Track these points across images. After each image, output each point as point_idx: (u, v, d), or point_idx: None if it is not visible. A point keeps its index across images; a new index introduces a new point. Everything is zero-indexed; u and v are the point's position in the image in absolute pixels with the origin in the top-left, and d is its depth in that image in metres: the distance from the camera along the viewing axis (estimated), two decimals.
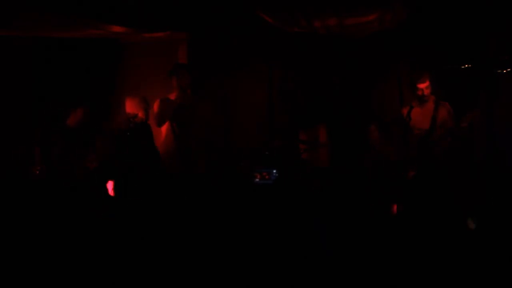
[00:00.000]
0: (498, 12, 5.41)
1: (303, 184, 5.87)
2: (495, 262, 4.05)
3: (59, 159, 5.32)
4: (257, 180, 5.79)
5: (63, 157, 5.33)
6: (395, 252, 4.39)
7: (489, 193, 5.12)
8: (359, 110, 6.38)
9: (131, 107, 5.61)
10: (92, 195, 5.23)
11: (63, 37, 6.15)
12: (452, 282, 3.93)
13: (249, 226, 5.02)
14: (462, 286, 3.91)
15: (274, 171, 5.76)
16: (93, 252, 4.44)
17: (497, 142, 5.67)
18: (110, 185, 5.58)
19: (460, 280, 3.93)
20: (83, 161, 5.37)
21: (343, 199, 5.46)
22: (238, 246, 4.62)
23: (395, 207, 5.17)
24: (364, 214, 5.15)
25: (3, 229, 4.66)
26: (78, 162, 5.33)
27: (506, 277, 3.87)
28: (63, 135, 5.40)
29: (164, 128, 5.53)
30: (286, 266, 4.27)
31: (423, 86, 5.30)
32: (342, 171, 5.96)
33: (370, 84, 6.45)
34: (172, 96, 5.40)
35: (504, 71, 5.48)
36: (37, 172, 5.26)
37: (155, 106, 5.38)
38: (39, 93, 6.27)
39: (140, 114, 5.56)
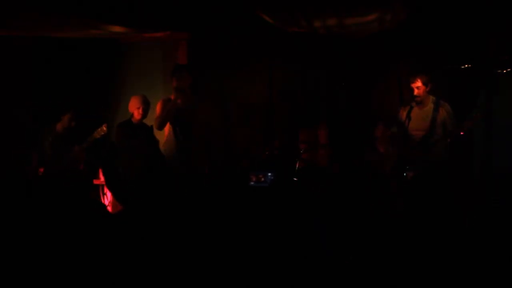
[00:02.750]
0: (498, 12, 5.41)
1: (303, 184, 5.87)
2: (495, 262, 4.05)
3: (50, 162, 5.38)
4: (252, 182, 5.80)
5: (53, 160, 5.37)
6: (395, 252, 4.40)
7: (488, 193, 5.12)
8: (359, 110, 6.38)
9: (130, 105, 5.65)
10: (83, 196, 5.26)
11: (63, 37, 6.15)
12: (452, 282, 3.93)
13: (246, 227, 5.03)
14: (462, 286, 3.92)
15: (270, 173, 5.76)
16: (90, 251, 4.44)
17: (496, 142, 5.67)
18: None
19: (460, 280, 3.93)
20: (73, 163, 5.43)
21: (343, 199, 5.46)
22: (235, 247, 4.63)
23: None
24: (364, 214, 5.16)
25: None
26: (68, 165, 5.38)
27: (506, 277, 3.88)
28: (52, 139, 5.45)
29: (166, 129, 5.53)
30: (282, 267, 4.27)
31: (414, 85, 5.31)
32: (342, 171, 5.96)
33: (370, 84, 6.44)
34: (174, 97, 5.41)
35: (504, 71, 5.48)
36: (33, 173, 5.36)
37: (158, 107, 5.38)
38: (39, 93, 6.28)
39: (136, 114, 5.59)
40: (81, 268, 4.19)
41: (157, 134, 5.63)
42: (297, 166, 5.92)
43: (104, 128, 5.55)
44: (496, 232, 4.47)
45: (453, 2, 5.49)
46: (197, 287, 4.08)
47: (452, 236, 4.54)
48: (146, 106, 5.58)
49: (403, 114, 5.40)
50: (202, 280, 4.11)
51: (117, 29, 5.82)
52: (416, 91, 5.30)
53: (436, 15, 5.65)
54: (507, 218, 4.57)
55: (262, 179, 5.80)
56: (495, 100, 5.62)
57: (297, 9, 5.34)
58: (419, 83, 5.28)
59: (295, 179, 5.88)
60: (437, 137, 5.25)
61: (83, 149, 5.54)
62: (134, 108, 5.62)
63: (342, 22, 5.53)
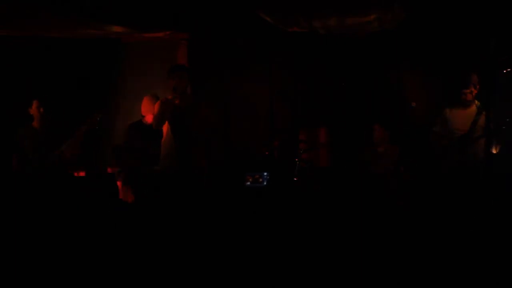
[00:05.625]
0: (499, 12, 5.42)
1: (303, 184, 5.87)
2: (495, 263, 4.05)
3: (33, 163, 5.34)
4: (248, 183, 5.80)
5: (36, 161, 5.34)
6: (396, 251, 4.40)
7: (488, 192, 5.11)
8: (359, 110, 6.39)
9: (144, 107, 5.63)
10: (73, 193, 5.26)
11: (63, 37, 6.15)
12: (452, 282, 3.93)
13: (243, 226, 5.04)
14: (462, 285, 3.92)
15: (266, 173, 5.77)
16: (83, 250, 4.45)
17: (496, 141, 5.67)
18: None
19: (460, 280, 3.93)
20: (56, 161, 5.39)
21: (344, 199, 5.46)
22: (232, 247, 4.64)
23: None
24: (365, 213, 5.16)
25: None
26: (49, 163, 5.35)
27: (506, 277, 3.88)
28: (31, 136, 5.40)
29: (165, 129, 5.54)
30: (279, 266, 4.28)
31: (476, 82, 5.29)
32: (342, 171, 5.96)
33: (370, 84, 6.45)
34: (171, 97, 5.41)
35: (504, 71, 5.48)
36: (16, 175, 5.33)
37: (156, 107, 5.38)
38: (38, 93, 6.27)
39: (149, 119, 5.55)
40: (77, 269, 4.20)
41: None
42: (297, 166, 5.92)
43: (97, 118, 5.34)
44: (496, 232, 4.47)
45: (453, 2, 5.49)
46: (194, 286, 4.08)
47: (454, 236, 4.54)
48: None
49: (449, 112, 5.40)
50: (199, 279, 4.11)
51: (117, 29, 5.82)
52: (474, 91, 5.31)
53: (436, 15, 5.65)
54: (507, 217, 4.57)
55: (260, 179, 5.81)
56: (495, 100, 5.61)
57: (297, 9, 5.34)
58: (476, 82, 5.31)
59: (295, 179, 5.88)
60: (474, 138, 5.26)
61: (76, 144, 5.35)
62: (149, 112, 5.59)
63: (342, 22, 5.53)
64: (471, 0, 5.48)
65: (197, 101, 5.42)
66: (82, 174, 5.81)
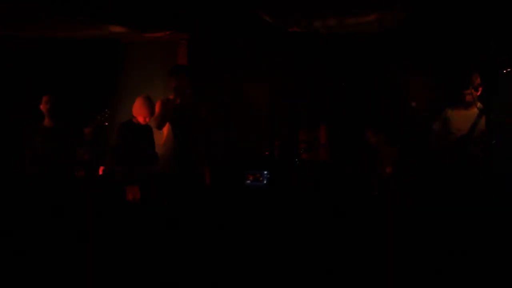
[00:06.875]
0: (499, 12, 5.42)
1: (303, 184, 5.88)
2: (495, 262, 4.06)
3: (40, 158, 5.33)
4: (248, 182, 5.81)
5: (43, 156, 5.33)
6: (397, 252, 4.40)
7: (488, 192, 5.13)
8: (359, 110, 6.39)
9: (136, 109, 5.61)
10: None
11: (63, 37, 6.16)
12: (452, 282, 3.94)
13: (243, 225, 5.05)
14: (462, 285, 3.92)
15: (266, 172, 5.78)
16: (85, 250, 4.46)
17: (496, 142, 5.67)
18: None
19: (460, 280, 3.94)
20: (65, 160, 5.39)
21: (344, 199, 5.47)
22: (233, 246, 4.65)
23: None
24: (365, 213, 5.17)
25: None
26: (58, 161, 5.35)
27: (506, 277, 3.88)
28: (41, 135, 5.39)
29: (165, 129, 5.54)
30: (280, 265, 4.29)
31: (478, 84, 5.27)
32: (342, 171, 5.97)
33: (370, 84, 6.45)
34: (173, 97, 5.41)
35: (504, 71, 5.47)
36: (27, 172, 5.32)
37: (157, 108, 5.38)
38: (39, 93, 6.28)
39: (141, 120, 5.54)
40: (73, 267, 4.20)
41: (156, 134, 5.63)
42: (297, 166, 5.93)
43: (107, 111, 5.43)
44: (496, 232, 4.47)
45: (453, 2, 5.49)
46: (195, 285, 4.09)
47: (453, 235, 4.55)
48: (152, 115, 5.50)
49: (449, 112, 5.39)
50: (200, 279, 4.12)
51: (117, 29, 5.82)
52: (475, 93, 5.28)
53: (436, 15, 5.65)
54: (507, 217, 4.58)
55: (260, 178, 5.81)
56: (495, 100, 5.61)
57: (297, 9, 5.34)
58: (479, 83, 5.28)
59: (295, 178, 5.89)
60: (474, 138, 5.24)
61: (91, 133, 5.41)
62: (140, 114, 5.56)
63: (342, 22, 5.53)
64: (471, 0, 5.48)
65: (197, 101, 5.42)
66: (81, 174, 5.81)
